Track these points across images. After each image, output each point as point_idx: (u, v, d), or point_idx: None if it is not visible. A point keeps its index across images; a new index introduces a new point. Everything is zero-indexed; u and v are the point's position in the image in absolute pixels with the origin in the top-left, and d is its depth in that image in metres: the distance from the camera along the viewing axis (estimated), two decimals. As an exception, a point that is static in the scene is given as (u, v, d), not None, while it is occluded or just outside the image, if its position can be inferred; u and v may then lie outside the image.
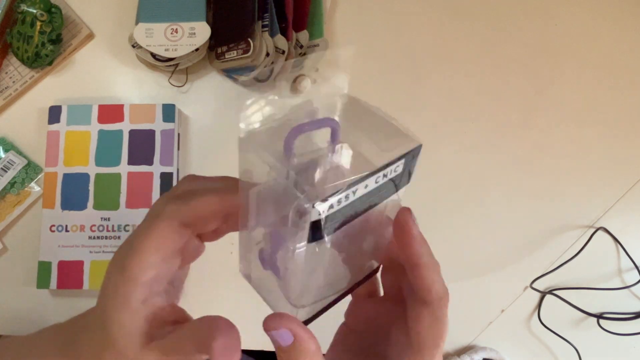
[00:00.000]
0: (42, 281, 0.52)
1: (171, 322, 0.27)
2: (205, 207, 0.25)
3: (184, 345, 0.25)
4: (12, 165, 0.55)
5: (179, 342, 0.25)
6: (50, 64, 0.57)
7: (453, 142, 0.57)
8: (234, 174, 0.52)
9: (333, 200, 0.20)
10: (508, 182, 0.56)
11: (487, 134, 0.57)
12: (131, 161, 0.55)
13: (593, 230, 0.55)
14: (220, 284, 0.54)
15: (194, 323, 0.26)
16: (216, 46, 0.56)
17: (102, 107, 0.56)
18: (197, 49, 0.54)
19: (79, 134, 0.55)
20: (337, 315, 0.32)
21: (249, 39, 0.53)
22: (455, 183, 0.56)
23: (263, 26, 0.54)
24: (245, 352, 0.65)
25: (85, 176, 0.55)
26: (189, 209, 0.25)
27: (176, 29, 0.54)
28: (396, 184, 0.24)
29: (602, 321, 0.54)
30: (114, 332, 0.25)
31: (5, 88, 0.57)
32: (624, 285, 0.54)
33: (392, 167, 0.23)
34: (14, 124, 0.58)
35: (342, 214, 0.21)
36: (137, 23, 0.55)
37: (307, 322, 0.26)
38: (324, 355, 0.25)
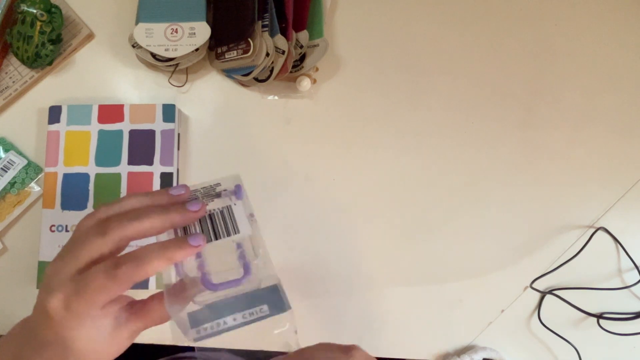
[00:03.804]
0: (42, 281, 0.53)
1: (125, 307, 0.33)
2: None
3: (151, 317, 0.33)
4: (12, 165, 0.55)
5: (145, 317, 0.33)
6: (50, 64, 0.57)
7: (452, 142, 0.57)
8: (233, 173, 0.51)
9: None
10: (508, 182, 0.56)
11: (487, 134, 0.57)
12: (131, 161, 0.55)
13: (593, 230, 0.55)
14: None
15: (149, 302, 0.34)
16: (216, 46, 0.56)
17: (102, 107, 0.56)
18: (197, 49, 0.54)
19: (79, 134, 0.55)
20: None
21: (249, 39, 0.53)
22: (455, 183, 0.56)
23: (263, 26, 0.54)
24: (233, 352, 0.65)
25: (85, 176, 0.55)
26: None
27: (176, 29, 0.54)
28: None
29: (602, 321, 0.54)
30: (74, 345, 0.30)
31: (5, 88, 0.57)
32: (624, 285, 0.54)
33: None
34: (14, 124, 0.58)
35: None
36: (137, 23, 0.55)
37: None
38: None
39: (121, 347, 0.33)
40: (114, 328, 0.32)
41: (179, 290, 0.32)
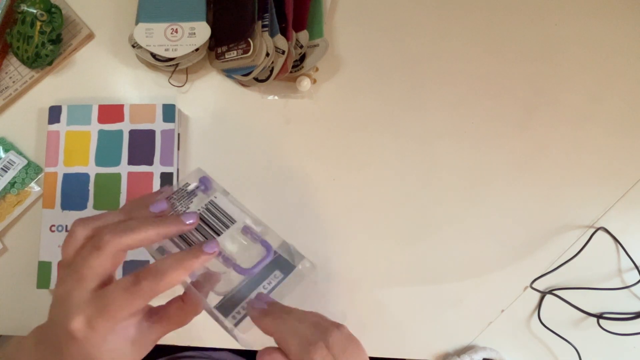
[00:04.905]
0: (42, 281, 0.53)
1: (146, 316, 0.34)
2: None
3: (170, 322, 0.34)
4: (12, 165, 0.55)
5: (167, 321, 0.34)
6: (50, 64, 0.57)
7: (452, 142, 0.57)
8: (234, 173, 0.54)
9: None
10: (508, 182, 0.56)
11: (487, 134, 0.57)
12: (131, 161, 0.55)
13: (593, 230, 0.55)
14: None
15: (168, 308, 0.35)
16: (216, 46, 0.56)
17: (102, 107, 0.56)
18: (197, 49, 0.54)
19: (79, 134, 0.55)
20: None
21: (249, 39, 0.53)
22: (455, 183, 0.56)
23: (263, 26, 0.54)
24: (234, 352, 0.65)
25: (85, 176, 0.55)
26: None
27: (176, 29, 0.54)
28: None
29: (602, 321, 0.54)
30: (100, 358, 0.31)
31: (5, 88, 0.57)
32: (624, 285, 0.54)
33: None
34: (14, 124, 0.58)
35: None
36: (137, 23, 0.55)
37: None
38: None
39: (144, 352, 0.34)
40: (136, 337, 0.33)
41: (200, 287, 0.34)
